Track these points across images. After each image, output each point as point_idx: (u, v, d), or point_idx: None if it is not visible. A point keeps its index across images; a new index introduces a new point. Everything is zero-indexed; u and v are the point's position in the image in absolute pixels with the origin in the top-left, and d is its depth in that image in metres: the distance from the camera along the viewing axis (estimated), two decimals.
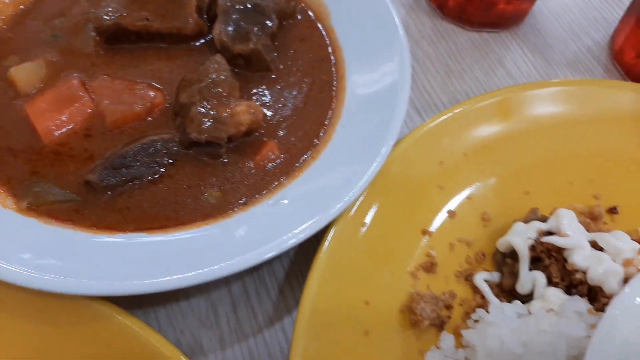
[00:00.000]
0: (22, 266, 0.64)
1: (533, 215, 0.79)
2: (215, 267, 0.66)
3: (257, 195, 0.75)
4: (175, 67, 0.86)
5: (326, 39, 0.93)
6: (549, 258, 0.73)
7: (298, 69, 0.89)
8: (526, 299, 0.73)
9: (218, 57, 0.82)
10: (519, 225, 0.76)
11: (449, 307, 0.74)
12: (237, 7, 0.87)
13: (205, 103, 0.76)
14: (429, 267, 0.76)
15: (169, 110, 0.81)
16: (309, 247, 0.76)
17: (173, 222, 0.72)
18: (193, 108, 0.76)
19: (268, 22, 0.87)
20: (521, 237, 0.74)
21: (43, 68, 0.85)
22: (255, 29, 0.86)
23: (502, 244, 0.76)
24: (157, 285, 0.64)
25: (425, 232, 0.78)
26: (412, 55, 1.04)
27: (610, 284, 0.68)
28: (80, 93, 0.81)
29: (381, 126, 0.78)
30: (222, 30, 0.85)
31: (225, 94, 0.78)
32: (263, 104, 0.84)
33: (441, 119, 0.83)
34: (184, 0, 0.87)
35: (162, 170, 0.76)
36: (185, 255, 0.68)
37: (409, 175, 0.80)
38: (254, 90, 0.85)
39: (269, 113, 0.83)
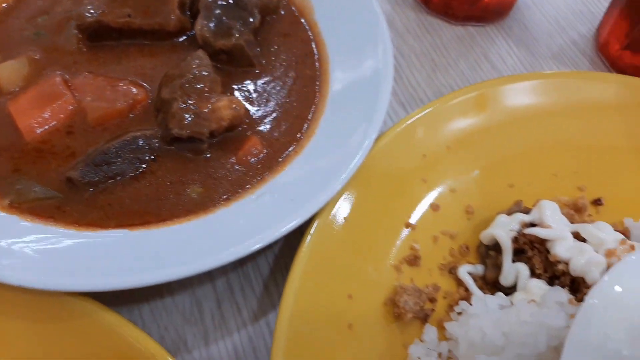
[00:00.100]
0: (2, 263, 0.63)
1: (517, 208, 0.79)
2: (196, 262, 0.66)
3: (239, 190, 0.75)
4: (158, 63, 0.86)
5: (309, 33, 0.92)
6: (532, 250, 0.73)
7: (281, 64, 0.89)
8: (510, 290, 0.73)
9: (200, 53, 0.82)
10: (502, 218, 0.76)
11: (432, 300, 0.74)
12: (219, 2, 0.87)
13: (186, 99, 0.76)
14: (413, 260, 0.76)
15: (152, 107, 0.81)
16: (293, 242, 0.76)
17: (155, 218, 0.72)
18: (174, 104, 0.76)
19: (250, 18, 0.87)
20: (504, 229, 0.74)
21: (26, 66, 0.84)
22: (238, 24, 0.86)
23: (485, 236, 0.76)
24: (138, 280, 0.64)
25: (408, 225, 0.78)
26: (397, 50, 1.04)
27: (592, 274, 0.68)
28: (62, 90, 0.81)
29: (364, 120, 0.78)
30: (204, 26, 0.84)
31: (207, 89, 0.78)
32: (246, 99, 0.84)
33: (424, 112, 0.83)
34: None
35: (144, 166, 0.76)
36: (167, 250, 0.68)
37: (392, 169, 0.80)
38: (237, 86, 0.85)
39: (252, 108, 0.83)
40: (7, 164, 0.75)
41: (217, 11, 0.86)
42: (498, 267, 0.74)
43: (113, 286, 0.64)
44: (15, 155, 0.76)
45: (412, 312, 0.70)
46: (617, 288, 0.56)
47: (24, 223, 0.70)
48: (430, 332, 0.70)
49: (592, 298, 0.56)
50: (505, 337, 0.62)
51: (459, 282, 0.76)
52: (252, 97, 0.84)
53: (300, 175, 0.76)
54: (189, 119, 0.75)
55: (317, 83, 0.87)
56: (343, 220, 0.74)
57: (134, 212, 0.72)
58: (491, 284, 0.75)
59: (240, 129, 0.81)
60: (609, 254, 0.70)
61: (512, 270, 0.72)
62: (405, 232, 0.78)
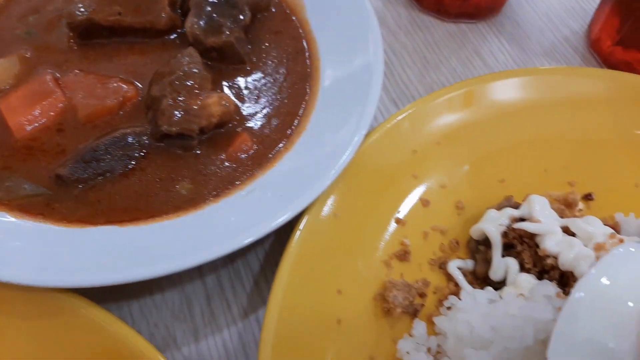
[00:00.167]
0: None
1: (507, 203, 0.79)
2: (185, 257, 0.66)
3: (229, 187, 0.75)
4: (149, 61, 0.86)
5: (301, 31, 0.92)
6: (521, 244, 0.73)
7: (272, 61, 0.89)
8: (499, 285, 0.73)
9: (190, 50, 0.82)
10: (492, 212, 0.76)
11: (422, 295, 0.74)
12: (209, 0, 0.87)
13: (176, 95, 0.76)
14: (403, 255, 0.76)
15: (142, 104, 0.81)
16: (284, 238, 0.76)
17: (144, 215, 0.72)
18: (164, 101, 0.76)
19: (241, 15, 0.87)
20: (493, 224, 0.74)
21: (17, 64, 0.85)
22: (228, 22, 0.86)
23: (475, 231, 0.76)
24: (127, 276, 0.65)
25: (399, 221, 0.78)
26: (389, 47, 1.04)
27: (581, 268, 0.68)
28: (53, 88, 0.81)
29: (354, 115, 0.78)
30: (195, 24, 0.85)
31: (197, 86, 0.78)
32: (237, 96, 0.84)
33: (414, 108, 0.83)
34: None
35: (133, 163, 0.76)
36: (156, 246, 0.68)
37: (383, 165, 0.80)
38: (228, 83, 0.85)
39: (242, 105, 0.83)
40: None
41: (208, 9, 0.86)
42: (488, 261, 0.74)
43: (102, 282, 0.64)
44: (5, 152, 0.76)
45: (402, 307, 0.70)
46: (604, 281, 0.56)
47: (14, 220, 0.70)
48: (419, 327, 0.70)
49: (578, 291, 0.55)
50: (493, 331, 0.62)
51: (449, 277, 0.76)
52: (243, 94, 0.84)
53: (290, 171, 0.76)
54: (179, 115, 0.75)
55: (307, 80, 0.87)
56: (333, 216, 0.74)
57: (123, 208, 0.72)
58: (481, 279, 0.75)
59: (230, 125, 0.81)
60: (598, 247, 0.70)
61: (502, 265, 0.72)
62: (396, 227, 0.78)
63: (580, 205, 0.83)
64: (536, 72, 0.91)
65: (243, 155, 0.78)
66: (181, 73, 0.79)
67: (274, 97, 0.85)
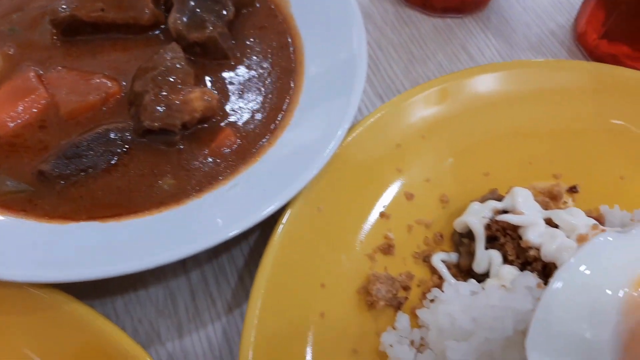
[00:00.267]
0: None
1: (491, 196, 0.79)
2: (168, 251, 0.66)
3: (212, 182, 0.75)
4: (132, 57, 0.86)
5: (285, 26, 0.92)
6: (504, 236, 0.73)
7: (256, 56, 0.89)
8: (483, 278, 0.73)
9: (173, 46, 0.82)
10: (475, 205, 0.76)
11: (406, 288, 0.74)
12: None
13: (158, 91, 0.76)
14: (387, 249, 0.76)
15: (125, 100, 0.81)
16: (268, 233, 0.76)
17: (126, 210, 0.72)
18: (146, 96, 0.76)
19: (224, 11, 0.87)
20: (476, 217, 0.74)
21: (0, 61, 0.84)
22: (212, 17, 0.85)
23: (458, 224, 0.76)
24: (109, 270, 0.65)
25: (383, 214, 0.78)
26: (375, 42, 1.04)
27: (563, 259, 0.68)
28: (36, 85, 0.81)
29: (338, 110, 0.78)
30: (178, 19, 0.84)
31: (179, 81, 0.78)
32: (221, 91, 0.84)
33: (398, 101, 0.83)
34: None
35: (116, 158, 0.76)
36: (139, 241, 0.68)
37: (367, 158, 0.80)
38: (212, 78, 0.85)
39: (226, 100, 0.83)
40: None
41: (191, 4, 0.86)
42: (471, 254, 0.74)
43: (84, 277, 0.65)
44: None
45: (385, 300, 0.70)
46: (583, 269, 0.56)
47: None
48: (402, 319, 0.70)
49: (557, 280, 0.55)
50: (474, 322, 0.62)
51: (433, 271, 0.76)
52: (227, 89, 0.84)
53: (273, 166, 0.76)
54: (161, 111, 0.75)
55: (292, 75, 0.87)
56: (317, 210, 0.74)
57: (105, 204, 0.72)
58: (465, 272, 0.75)
59: (214, 120, 0.80)
60: (581, 239, 0.70)
61: (485, 257, 0.72)
62: (380, 221, 0.78)
63: (566, 197, 0.83)
64: (521, 65, 0.91)
65: (226, 150, 0.78)
66: (164, 68, 0.78)
67: (257, 92, 0.85)
